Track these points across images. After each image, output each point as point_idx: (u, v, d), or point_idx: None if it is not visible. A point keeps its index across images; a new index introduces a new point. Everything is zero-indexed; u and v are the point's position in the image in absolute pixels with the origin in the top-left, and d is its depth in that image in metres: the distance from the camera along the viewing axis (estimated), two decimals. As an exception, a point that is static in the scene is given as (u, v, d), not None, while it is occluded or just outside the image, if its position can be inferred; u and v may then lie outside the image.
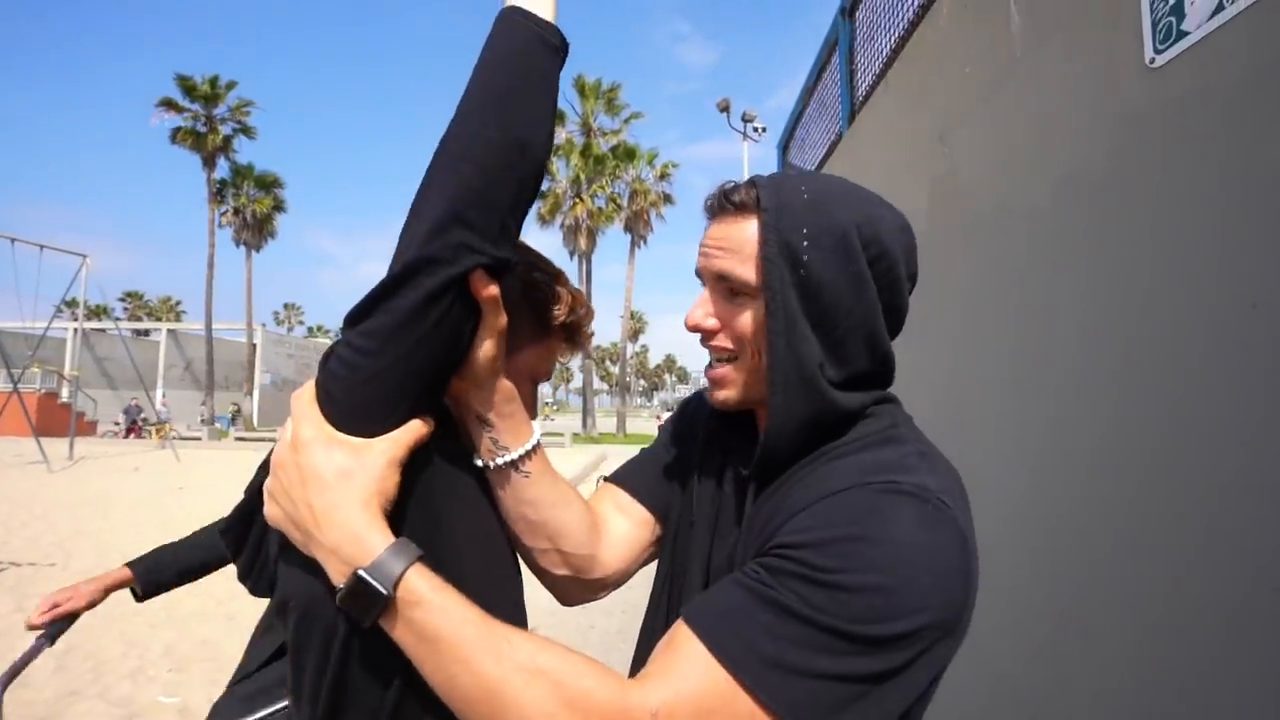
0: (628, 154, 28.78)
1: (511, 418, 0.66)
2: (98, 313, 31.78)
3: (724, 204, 0.65)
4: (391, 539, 0.52)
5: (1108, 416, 1.12)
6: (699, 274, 0.68)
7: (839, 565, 0.50)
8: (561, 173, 29.12)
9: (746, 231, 0.63)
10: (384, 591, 0.49)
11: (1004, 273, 1.50)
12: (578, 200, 28.65)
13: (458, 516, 0.63)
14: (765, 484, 0.64)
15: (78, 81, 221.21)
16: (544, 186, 29.25)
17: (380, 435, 0.56)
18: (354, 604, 0.50)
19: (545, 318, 0.75)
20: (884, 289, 0.62)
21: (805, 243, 0.60)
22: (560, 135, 29.18)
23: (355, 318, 0.57)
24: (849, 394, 0.63)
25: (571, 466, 13.67)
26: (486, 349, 0.61)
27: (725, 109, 18.43)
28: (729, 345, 0.65)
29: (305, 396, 0.58)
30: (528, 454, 0.67)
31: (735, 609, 0.51)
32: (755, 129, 18.32)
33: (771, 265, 0.60)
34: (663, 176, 29.14)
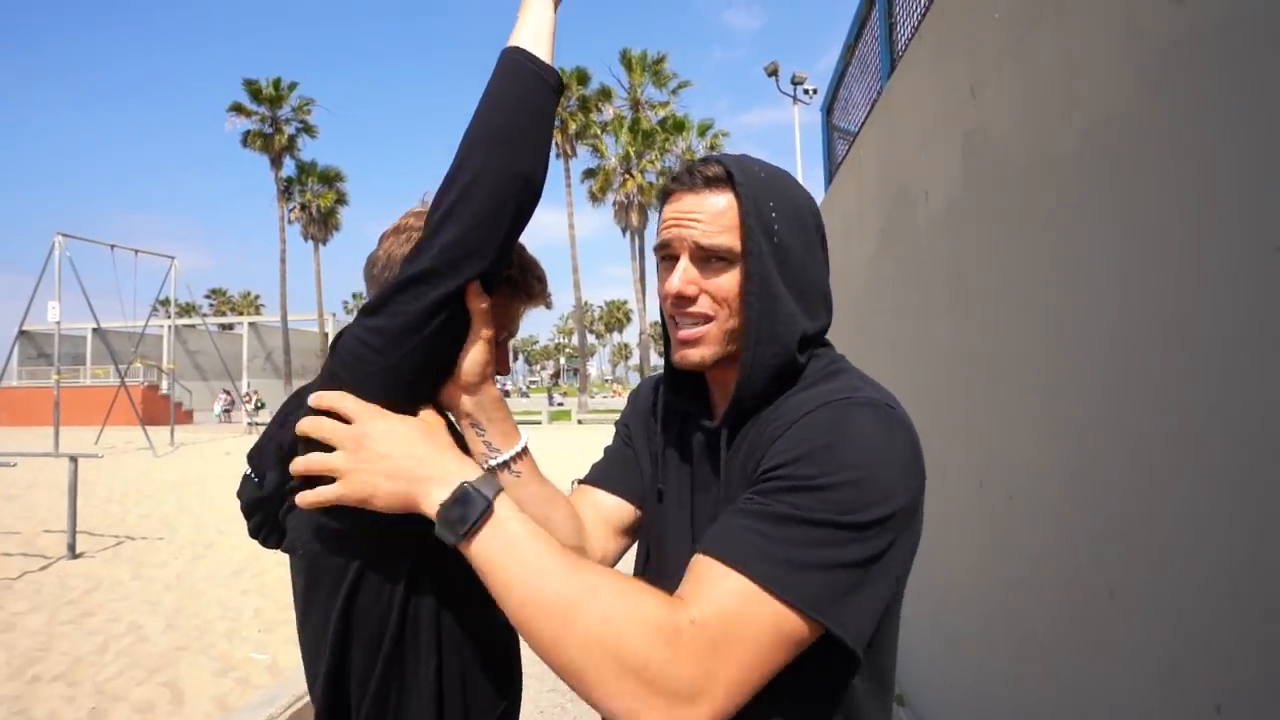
0: (677, 126, 28.32)
1: (502, 422, 0.73)
2: (187, 310, 34.25)
3: (695, 178, 0.70)
4: (481, 470, 0.63)
5: (1142, 374, 1.08)
6: (667, 245, 0.71)
7: (818, 471, 0.57)
8: (611, 149, 29.00)
9: (721, 203, 0.68)
10: (488, 497, 0.58)
11: (1035, 228, 1.43)
12: (628, 176, 28.51)
13: None
14: (735, 432, 0.70)
15: (157, 95, 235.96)
16: (593, 164, 29.44)
17: None
18: (459, 511, 0.58)
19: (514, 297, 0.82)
20: (825, 255, 0.73)
21: (774, 213, 0.67)
22: (608, 111, 28.99)
23: (370, 309, 0.65)
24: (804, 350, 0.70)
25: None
26: (475, 356, 0.68)
27: (774, 73, 17.78)
28: (707, 310, 0.69)
29: (331, 396, 0.66)
30: (518, 455, 0.74)
31: (740, 528, 0.57)
32: (806, 91, 17.61)
33: (751, 232, 0.66)
34: (713, 147, 28.55)
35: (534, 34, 0.72)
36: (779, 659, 0.53)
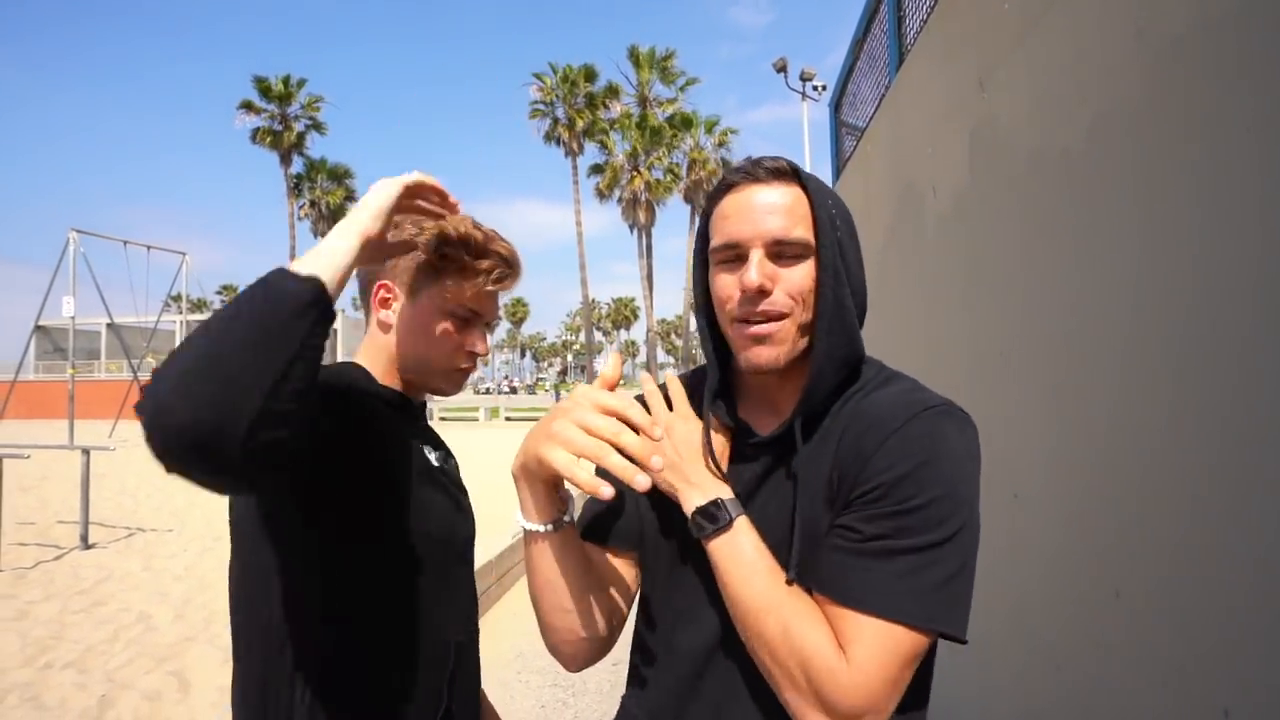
0: (685, 122, 28.25)
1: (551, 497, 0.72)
2: (199, 306, 34.56)
3: (759, 173, 0.70)
4: (731, 493, 0.70)
5: (1153, 371, 1.06)
6: (736, 244, 0.69)
7: (917, 490, 0.62)
8: (619, 146, 28.97)
9: (792, 195, 0.69)
10: (732, 515, 0.68)
11: (1045, 222, 1.41)
12: (635, 173, 28.47)
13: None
14: (811, 425, 0.70)
15: (168, 92, 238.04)
16: (600, 160, 29.41)
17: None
18: (709, 518, 0.68)
19: (431, 261, 0.84)
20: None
21: (834, 211, 0.69)
22: (616, 108, 28.94)
23: None
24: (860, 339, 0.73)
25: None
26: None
27: (782, 69, 17.67)
28: (782, 307, 0.68)
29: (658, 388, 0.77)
30: (568, 522, 0.72)
31: (860, 570, 0.62)
32: (814, 88, 17.49)
33: (824, 226, 0.68)
34: (721, 144, 28.46)
35: (314, 252, 0.65)
36: (913, 670, 0.62)
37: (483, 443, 15.69)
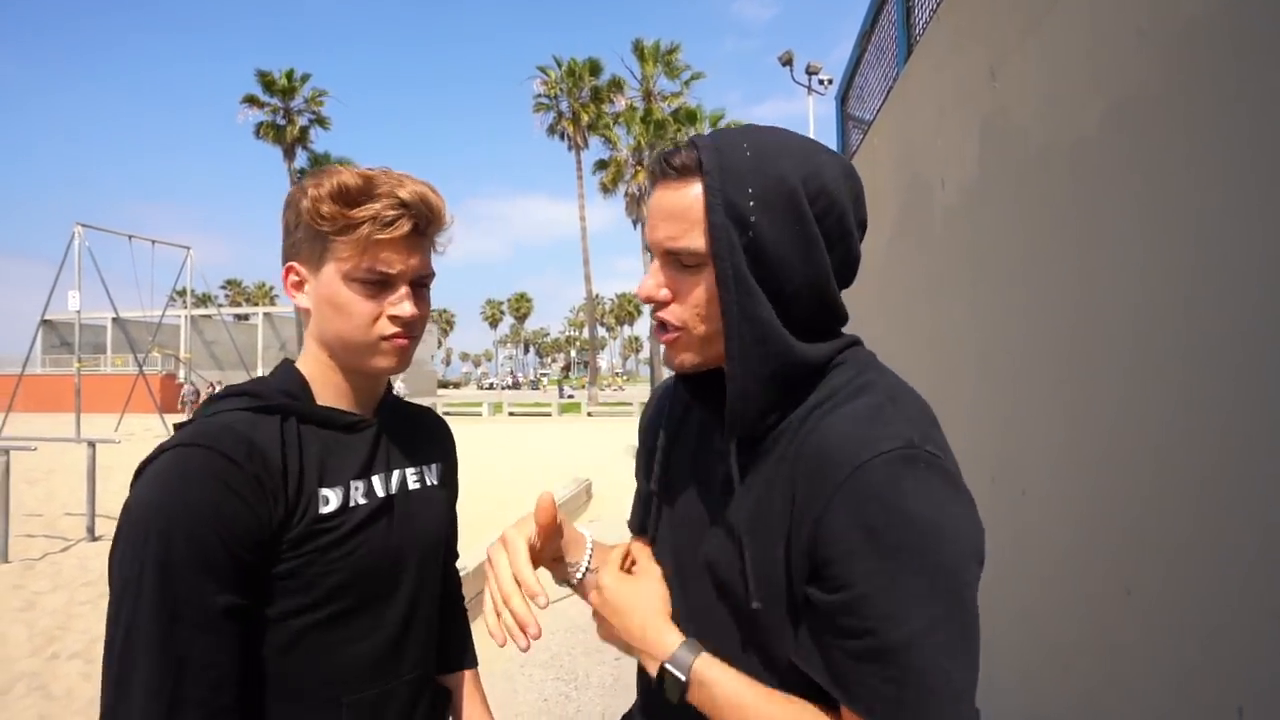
0: (689, 117, 28.13)
1: (568, 551, 0.75)
2: (203, 300, 34.68)
3: (665, 169, 0.62)
4: (682, 639, 0.65)
5: (1165, 367, 1.04)
6: (647, 247, 0.66)
7: (873, 567, 0.54)
8: (623, 140, 28.87)
9: (689, 197, 0.61)
10: (685, 669, 0.62)
11: (1056, 214, 1.39)
12: (640, 168, 28.39)
13: None
14: (748, 445, 0.64)
15: (170, 85, 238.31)
16: (605, 156, 29.34)
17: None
18: (670, 682, 0.63)
19: (317, 229, 0.74)
20: (835, 243, 0.61)
21: (751, 203, 0.58)
22: (620, 102, 28.84)
23: None
24: (813, 345, 0.63)
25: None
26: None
27: (788, 62, 17.58)
28: (673, 320, 0.64)
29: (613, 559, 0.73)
30: (587, 567, 0.75)
31: (865, 677, 0.55)
32: (820, 82, 17.40)
33: (718, 231, 0.59)
34: (724, 138, 28.33)
35: None
36: None
37: (486, 437, 15.73)
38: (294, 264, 0.79)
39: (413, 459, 0.86)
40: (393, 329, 0.77)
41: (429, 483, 0.88)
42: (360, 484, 0.78)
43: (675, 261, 0.63)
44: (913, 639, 0.53)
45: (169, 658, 0.62)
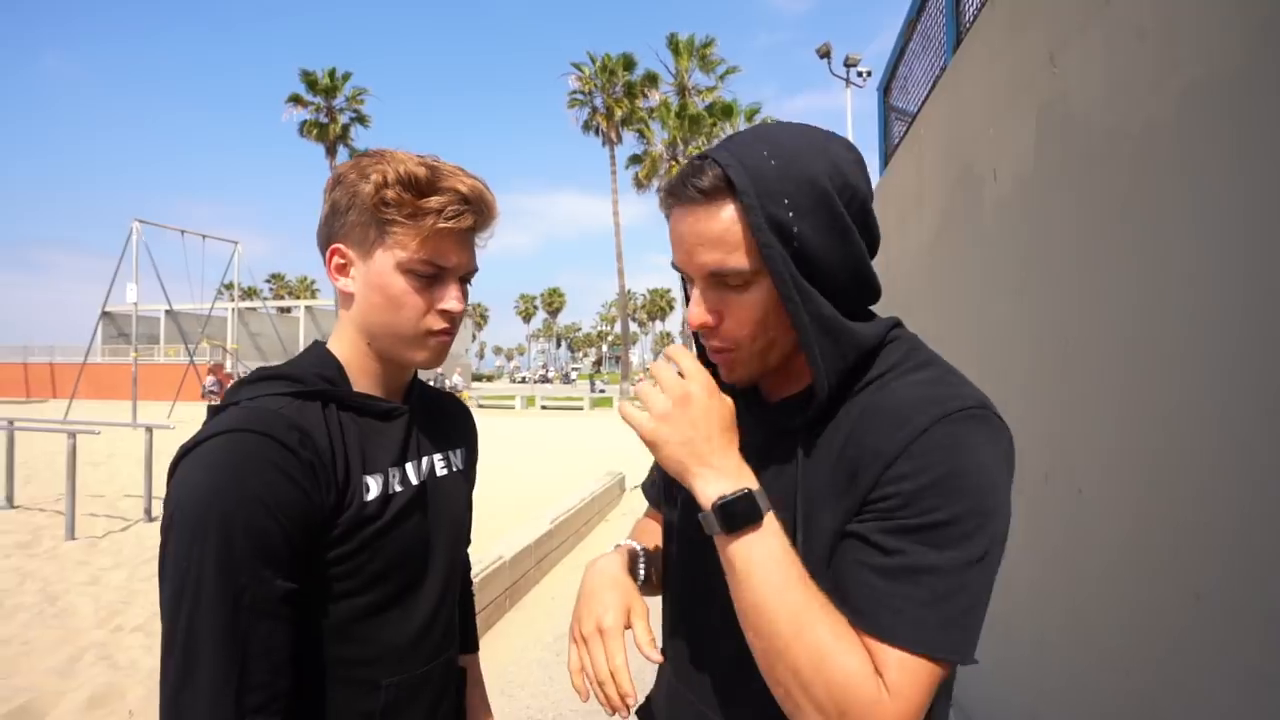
0: (724, 111, 27.90)
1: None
2: (249, 294, 35.87)
3: (689, 191, 0.61)
4: (758, 484, 0.61)
5: (1233, 361, 1.00)
6: (684, 272, 0.65)
7: (941, 502, 0.56)
8: (658, 135, 28.81)
9: (725, 219, 0.60)
10: (762, 509, 0.59)
11: (1119, 204, 1.34)
12: (674, 163, 28.29)
13: None
14: (815, 430, 0.65)
15: (219, 89, 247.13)
16: (639, 151, 29.33)
17: None
18: (736, 510, 0.59)
19: (374, 211, 0.73)
20: (861, 226, 0.63)
21: (791, 214, 0.59)
22: (654, 97, 28.76)
23: None
24: (866, 327, 0.65)
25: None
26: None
27: (826, 54, 17.26)
28: (730, 339, 0.65)
29: (679, 351, 0.64)
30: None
31: (882, 594, 0.57)
32: (859, 74, 17.04)
33: (770, 250, 0.59)
34: (759, 132, 28.01)
35: None
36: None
37: (519, 429, 15.93)
38: (341, 246, 0.76)
39: (440, 445, 0.87)
40: (441, 324, 0.76)
41: (455, 468, 0.88)
42: (396, 471, 0.78)
43: (720, 284, 0.63)
44: (953, 566, 0.56)
45: (234, 646, 0.62)
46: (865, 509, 0.59)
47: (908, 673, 0.55)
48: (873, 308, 0.70)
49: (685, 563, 0.77)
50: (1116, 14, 1.34)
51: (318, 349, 0.80)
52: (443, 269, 0.75)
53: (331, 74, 29.89)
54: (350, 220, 0.74)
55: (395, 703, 0.77)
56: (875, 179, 4.63)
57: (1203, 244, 1.08)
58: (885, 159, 4.85)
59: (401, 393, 0.84)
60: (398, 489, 0.77)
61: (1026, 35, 1.82)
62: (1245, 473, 0.98)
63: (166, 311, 26.89)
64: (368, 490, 0.74)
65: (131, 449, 9.80)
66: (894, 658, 0.56)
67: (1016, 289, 1.90)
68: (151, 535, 5.62)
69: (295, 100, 29.79)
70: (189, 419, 16.81)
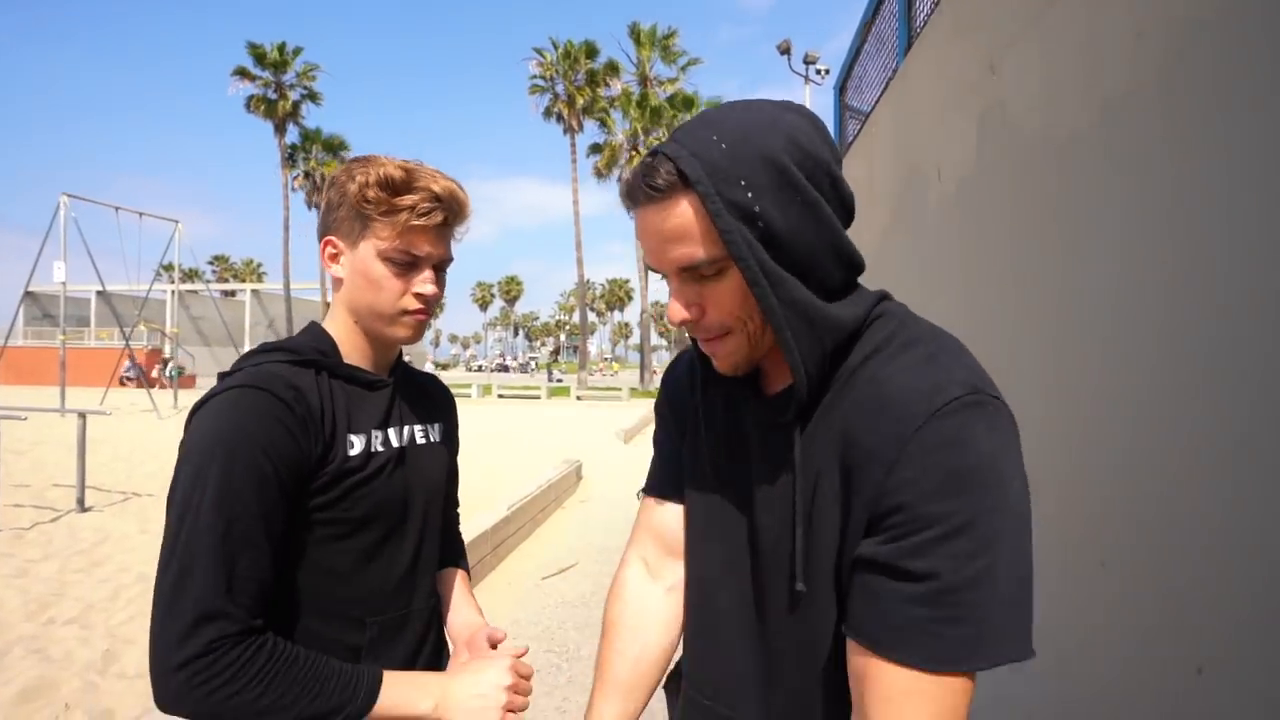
0: (686, 103, 27.93)
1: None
2: (191, 275, 34.18)
3: (648, 192, 0.60)
4: None
5: (1149, 357, 1.10)
6: (652, 269, 0.66)
7: (952, 508, 0.53)
8: (619, 125, 28.67)
9: (685, 212, 0.59)
10: None
11: (1052, 205, 1.45)
12: (635, 153, 28.22)
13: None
14: (809, 421, 0.64)
15: (159, 58, 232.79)
16: (600, 140, 29.12)
17: None
18: None
19: (361, 211, 0.85)
20: (829, 195, 0.61)
21: (749, 194, 0.57)
22: (616, 86, 28.58)
23: None
24: (849, 305, 0.63)
25: (629, 419, 14.32)
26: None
27: (786, 51, 17.49)
28: (718, 327, 0.64)
29: None
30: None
31: (898, 614, 0.55)
32: (818, 71, 17.35)
33: (732, 235, 0.57)
34: (721, 126, 28.14)
35: (409, 685, 0.81)
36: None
37: (476, 417, 15.76)
38: (332, 238, 0.89)
39: (420, 418, 0.98)
40: (416, 304, 0.88)
41: (433, 439, 1.00)
42: (379, 434, 0.89)
43: (695, 277, 0.62)
44: (984, 576, 0.52)
45: (225, 564, 0.73)
46: (877, 528, 0.57)
47: (940, 700, 0.53)
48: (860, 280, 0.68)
49: (710, 539, 0.76)
50: (1049, 28, 1.44)
51: (314, 328, 0.92)
52: (417, 257, 0.87)
53: (281, 48, 28.57)
54: (339, 215, 0.87)
55: (380, 638, 0.89)
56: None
57: (1118, 249, 1.18)
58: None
59: (387, 370, 0.96)
60: (379, 449, 0.89)
61: (970, 43, 1.92)
62: (1160, 459, 1.08)
63: (98, 293, 25.38)
64: (351, 446, 0.85)
65: (61, 436, 9.26)
66: (923, 685, 0.54)
67: (957, 282, 2.02)
68: (84, 526, 5.36)
69: (242, 74, 28.38)
70: (124, 406, 15.96)
